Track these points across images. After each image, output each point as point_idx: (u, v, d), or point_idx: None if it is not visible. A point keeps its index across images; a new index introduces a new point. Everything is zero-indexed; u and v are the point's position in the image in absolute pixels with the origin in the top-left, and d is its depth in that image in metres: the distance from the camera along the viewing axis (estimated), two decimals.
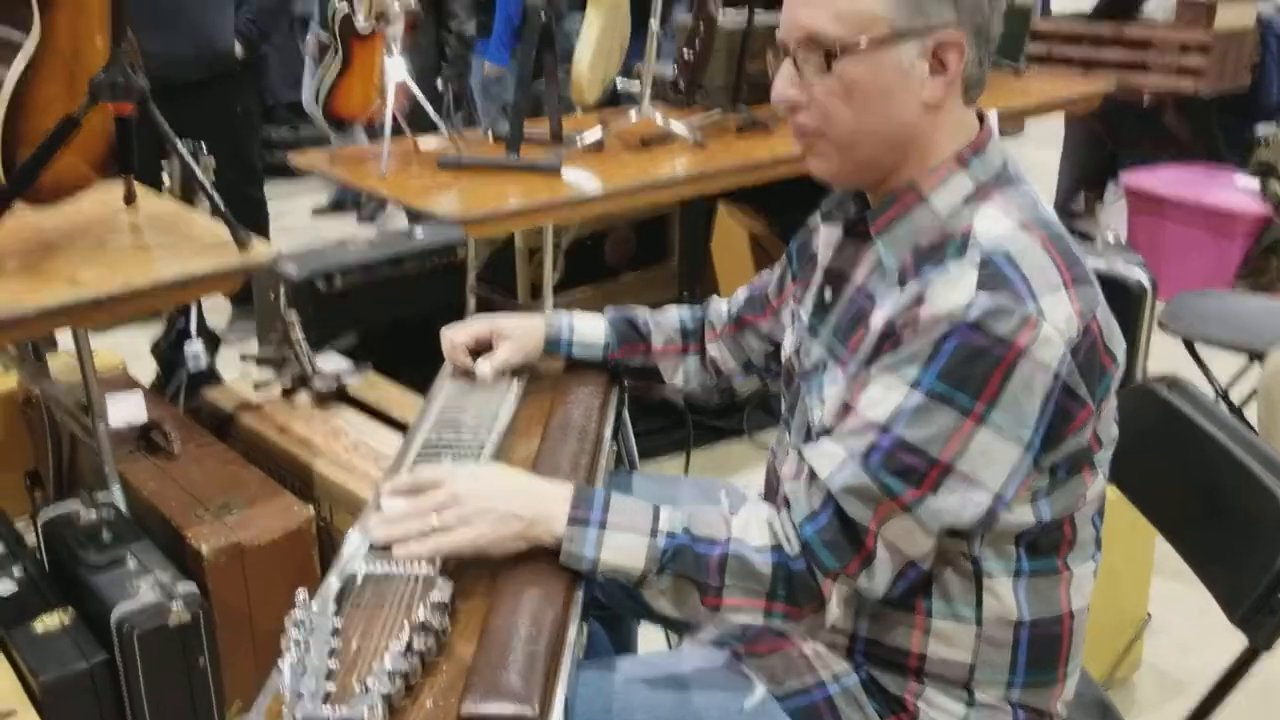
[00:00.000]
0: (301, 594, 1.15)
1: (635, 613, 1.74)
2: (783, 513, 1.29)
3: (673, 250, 4.08)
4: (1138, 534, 1.92)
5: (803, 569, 1.24)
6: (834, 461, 1.24)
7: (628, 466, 2.06)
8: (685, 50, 3.32)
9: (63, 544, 2.10)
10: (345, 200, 6.12)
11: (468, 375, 1.72)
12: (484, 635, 1.13)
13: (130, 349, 3.40)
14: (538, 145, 3.02)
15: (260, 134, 4.65)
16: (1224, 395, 3.19)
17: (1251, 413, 3.08)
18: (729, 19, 3.39)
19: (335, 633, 1.12)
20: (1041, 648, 1.33)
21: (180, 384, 3.18)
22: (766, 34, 3.32)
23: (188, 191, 2.66)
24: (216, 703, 2.02)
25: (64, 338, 2.75)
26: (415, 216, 3.54)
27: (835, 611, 1.26)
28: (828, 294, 1.43)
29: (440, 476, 1.31)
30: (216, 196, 2.22)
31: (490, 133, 3.10)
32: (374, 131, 3.09)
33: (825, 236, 1.49)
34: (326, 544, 2.33)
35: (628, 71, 3.33)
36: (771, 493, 1.54)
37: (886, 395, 1.22)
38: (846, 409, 1.28)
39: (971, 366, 1.17)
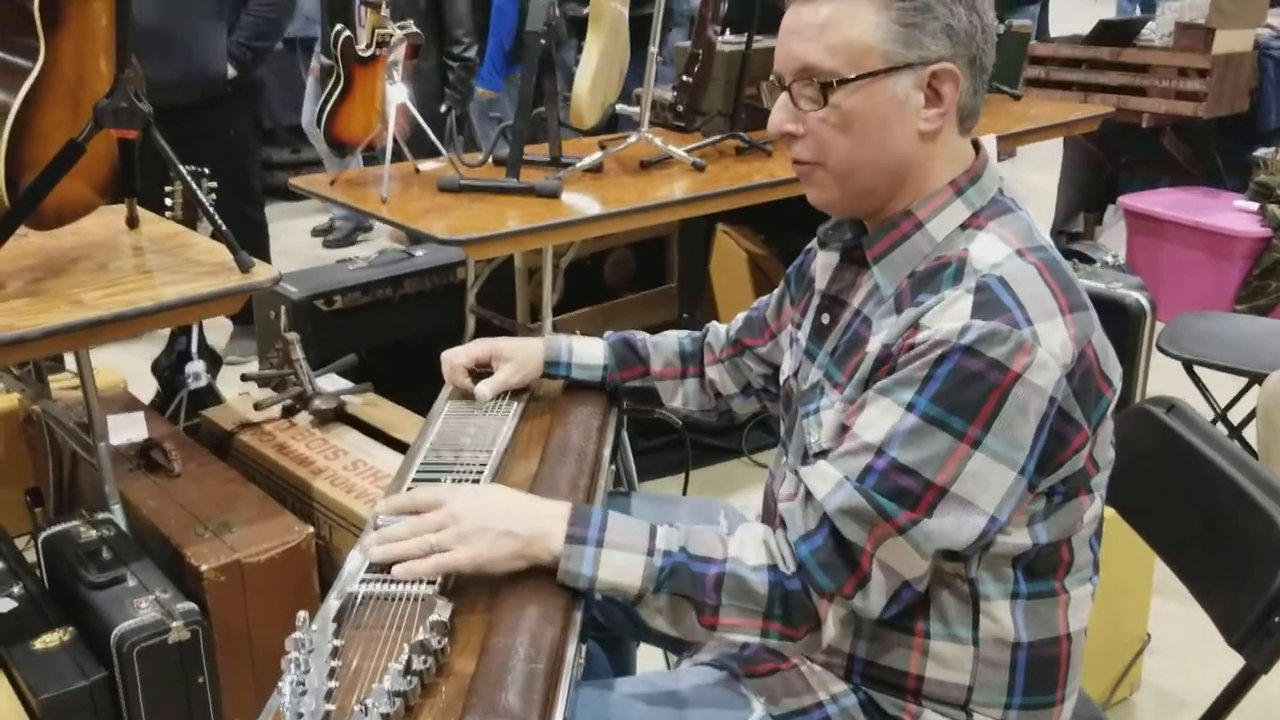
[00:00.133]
0: (301, 615, 1.15)
1: (634, 633, 1.74)
2: (779, 533, 1.29)
3: (671, 271, 4.10)
4: (1137, 554, 1.93)
5: (798, 589, 1.25)
6: (830, 482, 1.24)
7: (626, 487, 2.07)
8: (684, 75, 3.34)
9: (63, 562, 2.10)
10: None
11: (467, 396, 1.73)
12: (483, 655, 1.14)
13: (128, 365, 3.41)
14: (537, 168, 3.03)
15: (258, 156, 4.66)
16: (1223, 417, 3.19)
17: (1250, 434, 3.09)
18: (727, 44, 3.42)
19: (335, 653, 1.12)
20: (1039, 669, 1.34)
21: (181, 403, 3.19)
22: (764, 59, 3.34)
23: (190, 214, 2.68)
24: None
25: (68, 357, 2.76)
26: (415, 238, 3.55)
27: (831, 632, 1.26)
28: (825, 318, 1.44)
29: (439, 496, 1.32)
30: (218, 219, 2.23)
31: (490, 156, 3.11)
32: (373, 155, 3.10)
33: (822, 261, 1.50)
34: (326, 563, 2.33)
35: (627, 97, 3.35)
36: (769, 514, 1.55)
37: (882, 418, 1.23)
38: (843, 431, 1.29)
39: (966, 390, 1.18)
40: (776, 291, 1.68)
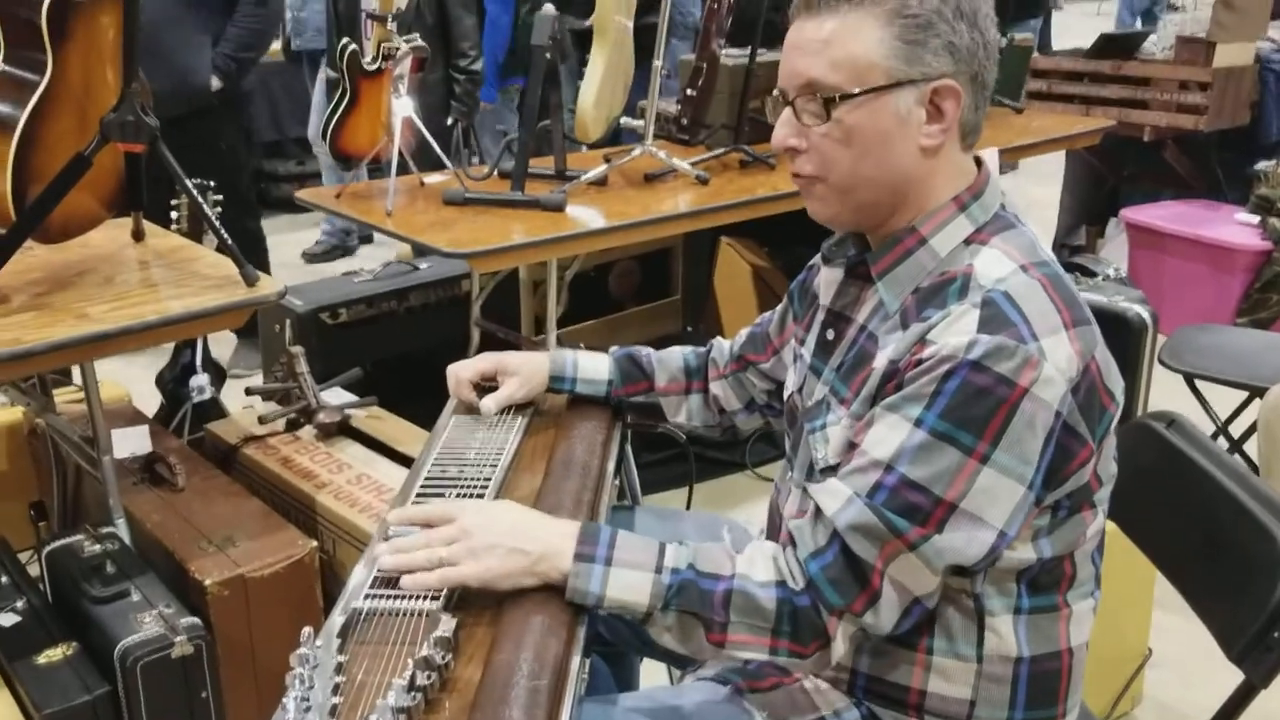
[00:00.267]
0: (306, 630, 1.16)
1: (638, 649, 1.74)
2: (787, 550, 1.29)
3: (676, 284, 4.11)
4: (1139, 568, 1.93)
5: (807, 605, 1.25)
6: (840, 499, 1.25)
7: (630, 501, 2.07)
8: (688, 88, 3.35)
9: (67, 576, 2.11)
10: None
11: (472, 411, 1.74)
12: (487, 670, 1.14)
13: (132, 378, 3.42)
14: (542, 181, 3.04)
15: (249, 168, 4.64)
16: (1224, 430, 3.19)
17: (1252, 448, 3.09)
18: (731, 57, 3.43)
19: (339, 669, 1.13)
20: (1041, 684, 1.34)
21: (185, 416, 3.19)
22: (768, 72, 3.35)
23: (196, 228, 2.68)
24: None
25: (74, 370, 2.77)
26: (420, 251, 3.55)
27: (841, 649, 1.26)
28: (830, 334, 1.45)
29: (451, 511, 1.33)
30: (224, 232, 2.24)
31: (495, 169, 3.12)
32: (378, 168, 3.11)
33: (826, 277, 1.50)
34: (329, 577, 2.34)
35: (631, 110, 3.36)
36: (774, 530, 1.55)
37: (890, 434, 1.23)
38: (852, 448, 1.29)
39: (974, 405, 1.19)
40: (780, 307, 1.69)
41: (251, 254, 2.41)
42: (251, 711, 2.15)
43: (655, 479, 3.24)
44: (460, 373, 1.76)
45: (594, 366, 1.77)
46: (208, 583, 2.10)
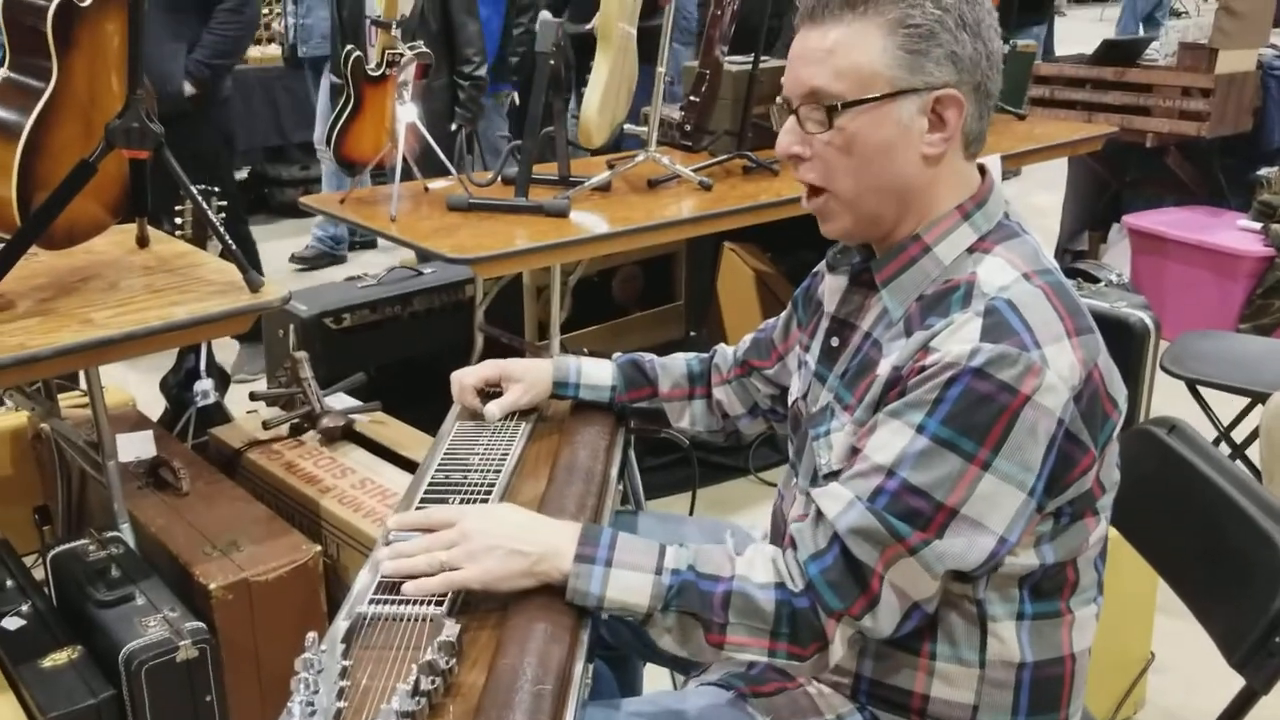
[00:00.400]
0: (311, 635, 1.16)
1: (641, 653, 1.75)
2: (788, 552, 1.30)
3: (679, 289, 4.11)
4: (1141, 573, 1.93)
5: (806, 607, 1.26)
6: (841, 503, 1.25)
7: (634, 506, 2.07)
8: (691, 95, 3.36)
9: (71, 580, 2.11)
10: (353, 236, 6.16)
11: (476, 416, 1.74)
12: (491, 675, 1.14)
13: (136, 383, 3.42)
14: (546, 187, 3.05)
15: (230, 174, 4.63)
16: (1226, 436, 3.20)
17: (1254, 454, 3.09)
18: (734, 64, 3.44)
19: (344, 673, 1.13)
20: (1044, 689, 1.34)
21: (189, 421, 3.20)
22: (772, 79, 3.36)
23: (200, 233, 2.69)
24: None
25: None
26: (424, 256, 3.56)
27: (839, 652, 1.27)
28: (834, 341, 1.45)
29: (451, 515, 1.34)
30: (228, 238, 2.25)
31: (499, 175, 3.13)
32: (382, 175, 3.12)
33: (831, 285, 1.51)
34: (333, 581, 2.34)
35: (635, 116, 3.37)
36: (778, 535, 1.55)
37: (892, 440, 1.24)
38: (854, 453, 1.30)
39: (976, 412, 1.19)
40: (784, 314, 1.70)
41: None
42: (255, 715, 2.16)
43: (659, 484, 3.25)
44: (464, 379, 1.77)
45: (597, 372, 1.78)
46: (212, 587, 2.11)
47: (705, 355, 1.81)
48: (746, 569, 1.29)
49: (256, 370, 4.22)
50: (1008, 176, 6.80)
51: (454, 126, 4.39)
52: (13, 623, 2.04)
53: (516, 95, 5.17)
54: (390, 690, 1.10)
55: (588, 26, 3.85)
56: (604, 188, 3.10)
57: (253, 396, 2.90)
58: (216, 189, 2.67)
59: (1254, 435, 3.07)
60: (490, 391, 1.77)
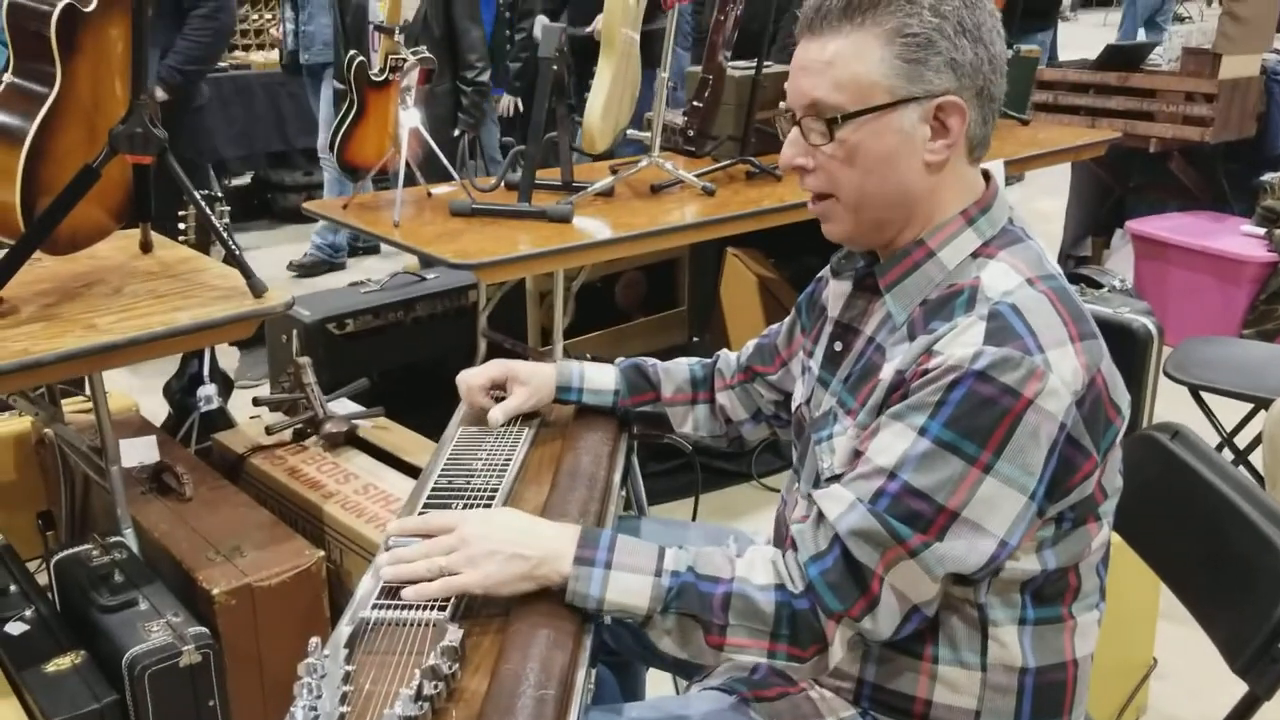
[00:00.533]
0: (314, 640, 1.16)
1: (643, 657, 1.75)
2: (788, 554, 1.30)
3: (682, 294, 4.12)
4: (1144, 579, 1.93)
5: (806, 608, 1.26)
6: (842, 504, 1.25)
7: (636, 511, 2.07)
8: (694, 100, 3.36)
9: (75, 585, 2.12)
10: (356, 242, 6.17)
11: (479, 420, 1.74)
12: (493, 680, 1.14)
13: (140, 388, 3.42)
14: (549, 192, 3.05)
15: (208, 180, 4.62)
16: (1229, 442, 3.19)
17: (1257, 459, 3.09)
18: (737, 69, 3.44)
19: (347, 678, 1.13)
20: (1046, 694, 1.34)
21: (192, 426, 3.20)
22: (775, 84, 3.36)
23: (203, 239, 2.70)
24: None
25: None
26: (427, 262, 3.57)
27: (839, 653, 1.27)
28: (838, 346, 1.45)
29: (450, 520, 1.34)
30: (231, 244, 2.25)
31: (502, 181, 3.14)
32: (385, 180, 3.12)
33: (835, 290, 1.51)
34: (336, 586, 2.34)
35: (638, 121, 3.37)
36: (780, 540, 1.55)
37: (894, 442, 1.24)
38: (857, 456, 1.30)
39: (978, 415, 1.19)
40: (788, 319, 1.70)
41: None
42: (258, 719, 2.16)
43: (661, 489, 3.25)
44: (471, 380, 1.77)
45: (600, 377, 1.78)
46: (215, 592, 2.11)
47: (708, 360, 1.82)
48: (746, 570, 1.29)
49: (258, 376, 4.22)
50: (1011, 182, 6.79)
51: (457, 132, 4.40)
52: (16, 627, 2.05)
53: (519, 101, 5.19)
54: (393, 695, 1.10)
55: (588, 30, 3.86)
56: (607, 193, 3.10)
57: (256, 402, 2.91)
58: (219, 195, 2.67)
59: (1257, 441, 3.07)
60: (494, 395, 1.77)
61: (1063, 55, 6.89)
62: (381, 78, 2.90)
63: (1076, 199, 5.51)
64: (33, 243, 2.07)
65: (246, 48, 6.93)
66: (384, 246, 6.03)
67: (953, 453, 1.20)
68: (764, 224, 3.11)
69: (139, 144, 2.11)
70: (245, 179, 7.04)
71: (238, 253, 2.22)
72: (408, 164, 2.92)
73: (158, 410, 3.33)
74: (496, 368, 1.77)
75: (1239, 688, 1.46)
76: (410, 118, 2.92)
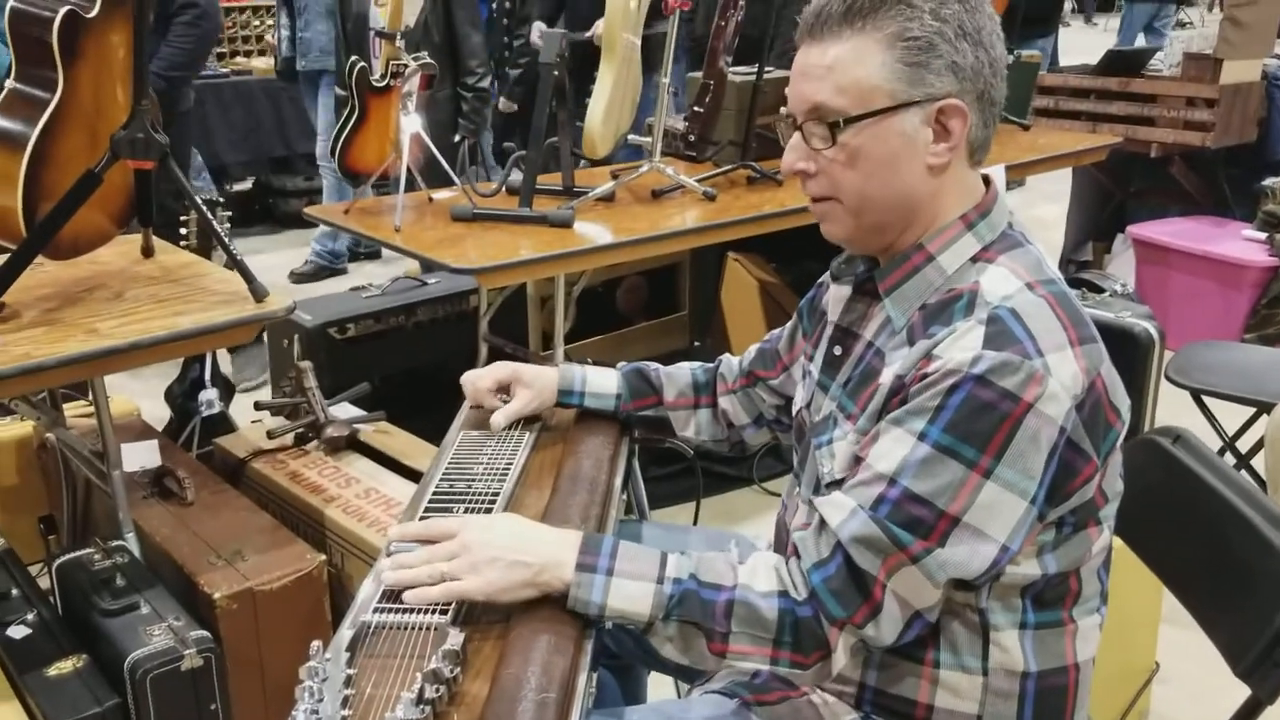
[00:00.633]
0: (315, 643, 1.16)
1: (644, 661, 1.75)
2: (790, 560, 1.30)
3: (683, 299, 4.12)
4: (1146, 584, 1.93)
5: (809, 616, 1.26)
6: (844, 511, 1.25)
7: (638, 515, 2.07)
8: (695, 105, 3.37)
9: (77, 589, 2.12)
10: (357, 247, 6.17)
11: (481, 425, 1.75)
12: (495, 684, 1.14)
13: (141, 392, 3.42)
14: (550, 197, 3.06)
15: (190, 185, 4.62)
16: (1231, 446, 3.19)
17: (1259, 464, 3.08)
18: (738, 74, 3.45)
19: (348, 681, 1.13)
20: (1048, 699, 1.34)
21: (194, 430, 3.20)
22: (776, 89, 3.37)
23: (204, 244, 2.70)
24: None
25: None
26: (428, 266, 3.57)
27: (842, 660, 1.27)
28: (837, 350, 1.46)
29: (452, 526, 1.34)
30: (233, 248, 2.25)
31: (503, 186, 3.14)
32: (386, 185, 3.13)
33: (835, 294, 1.52)
34: (338, 590, 2.34)
35: (638, 127, 3.37)
36: (781, 545, 1.55)
37: (894, 448, 1.24)
38: (857, 462, 1.30)
39: (978, 420, 1.19)
40: (789, 324, 1.70)
41: None
42: None
43: (663, 493, 3.25)
44: (477, 381, 1.78)
45: (603, 381, 1.78)
46: (217, 596, 2.11)
47: (710, 365, 1.82)
48: (749, 577, 1.29)
49: (252, 377, 4.22)
50: (1012, 187, 6.80)
51: (457, 138, 4.40)
52: (18, 631, 2.05)
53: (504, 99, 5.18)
54: (394, 699, 1.10)
55: (587, 35, 3.85)
56: (608, 198, 3.10)
57: (257, 406, 2.91)
58: (221, 199, 2.67)
59: (1259, 445, 3.07)
60: (501, 392, 1.78)
61: (1063, 61, 6.90)
62: (383, 83, 2.91)
63: (1078, 204, 5.51)
64: (35, 247, 2.07)
65: (248, 53, 6.94)
66: (385, 252, 6.04)
67: (952, 457, 1.20)
68: (765, 229, 3.11)
69: (140, 149, 2.11)
70: (247, 184, 7.04)
71: (239, 257, 2.22)
72: (409, 169, 2.93)
73: (159, 415, 3.33)
74: (501, 369, 1.78)
75: (1241, 692, 1.46)
76: (412, 123, 2.93)
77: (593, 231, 2.83)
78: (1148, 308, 3.12)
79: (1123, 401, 1.29)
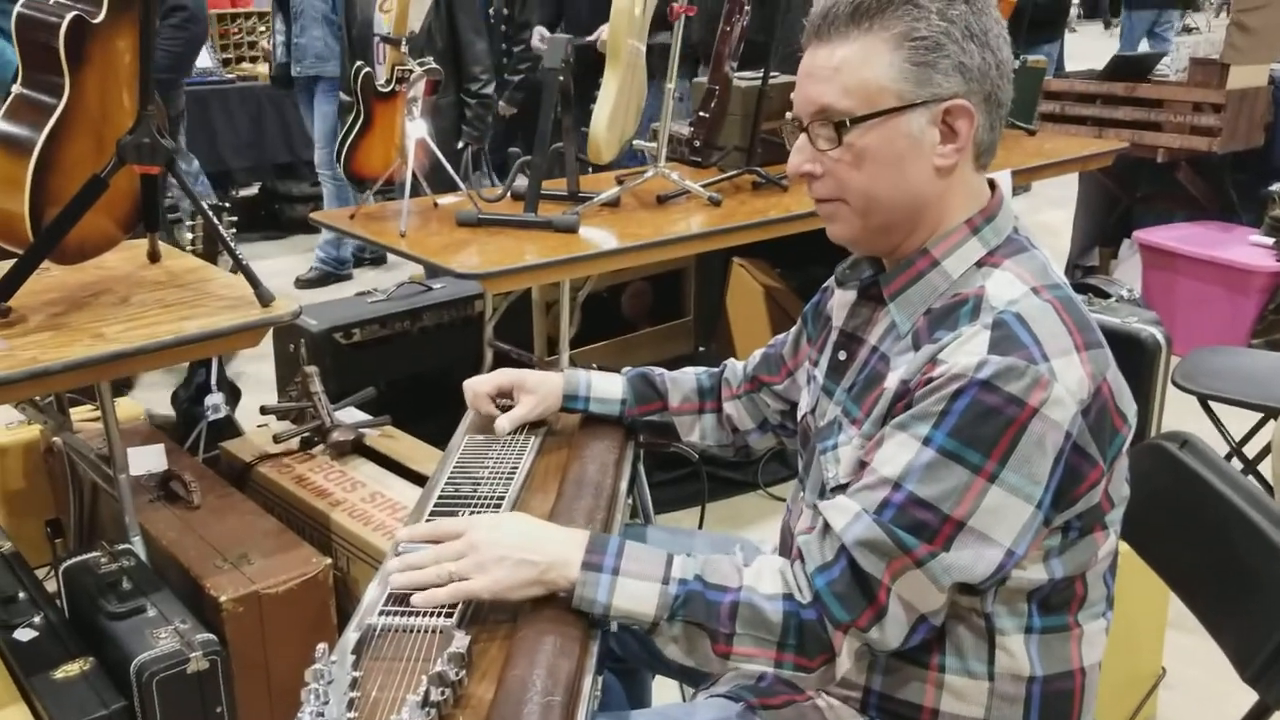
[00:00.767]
0: (321, 646, 1.16)
1: (649, 664, 1.75)
2: (795, 564, 1.30)
3: (688, 304, 4.12)
4: (1152, 588, 1.92)
5: (814, 619, 1.26)
6: (848, 515, 1.25)
7: (643, 520, 2.08)
8: (700, 111, 3.37)
9: (83, 592, 2.12)
10: (361, 253, 6.18)
11: (486, 428, 1.75)
12: (500, 687, 1.15)
13: (146, 397, 3.43)
14: (555, 203, 3.06)
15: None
16: (1238, 451, 3.19)
17: (1266, 469, 3.08)
18: (743, 79, 3.45)
19: (354, 684, 1.13)
20: (1054, 703, 1.34)
21: (200, 435, 3.21)
22: (781, 94, 3.37)
23: (210, 249, 2.71)
24: None
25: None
26: (433, 271, 3.58)
27: (846, 664, 1.27)
28: (842, 355, 1.45)
29: (459, 526, 1.34)
30: (239, 253, 2.26)
31: (508, 191, 3.14)
32: (391, 190, 3.13)
33: (839, 299, 1.52)
34: (343, 594, 2.35)
35: (643, 132, 3.37)
36: (786, 550, 1.55)
37: (899, 452, 1.24)
38: (862, 467, 1.30)
39: (983, 425, 1.19)
40: (794, 329, 1.70)
41: None
42: None
43: (668, 498, 3.25)
44: (478, 387, 1.78)
45: (608, 386, 1.78)
46: (223, 599, 2.11)
47: (715, 370, 1.82)
48: (754, 580, 1.29)
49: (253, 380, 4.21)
50: (1018, 192, 6.79)
51: (460, 145, 4.40)
52: (25, 634, 2.05)
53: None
54: (400, 701, 1.10)
55: (590, 39, 3.86)
56: (613, 203, 3.10)
57: (263, 410, 2.91)
58: (227, 205, 2.68)
59: (1266, 450, 3.07)
60: (501, 404, 1.77)
61: (1070, 66, 6.90)
62: (388, 89, 2.91)
63: (1084, 209, 5.51)
64: (41, 252, 2.08)
65: (254, 59, 6.96)
66: (389, 258, 6.05)
67: (957, 462, 1.20)
68: (770, 234, 3.11)
69: (146, 154, 2.12)
70: (252, 190, 7.06)
71: (245, 262, 2.23)
72: (414, 174, 2.93)
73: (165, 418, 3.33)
74: (504, 375, 1.78)
75: (1249, 697, 1.46)
76: (417, 128, 2.93)
77: (598, 237, 2.83)
78: (1154, 313, 3.12)
79: (1129, 406, 1.29)
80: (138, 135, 2.10)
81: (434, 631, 1.24)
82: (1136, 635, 2.40)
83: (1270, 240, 4.53)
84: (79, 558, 2.21)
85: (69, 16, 2.04)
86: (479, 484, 1.57)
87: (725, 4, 3.18)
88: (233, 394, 3.39)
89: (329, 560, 2.25)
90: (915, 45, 1.27)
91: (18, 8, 2.07)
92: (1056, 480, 1.22)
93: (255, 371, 4.25)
